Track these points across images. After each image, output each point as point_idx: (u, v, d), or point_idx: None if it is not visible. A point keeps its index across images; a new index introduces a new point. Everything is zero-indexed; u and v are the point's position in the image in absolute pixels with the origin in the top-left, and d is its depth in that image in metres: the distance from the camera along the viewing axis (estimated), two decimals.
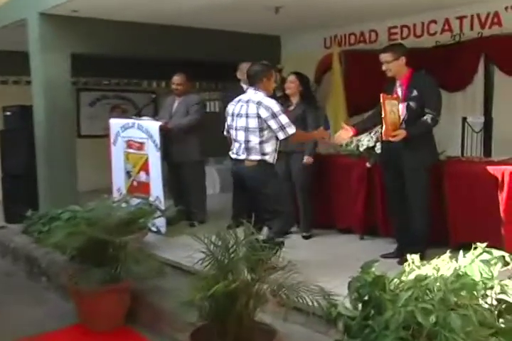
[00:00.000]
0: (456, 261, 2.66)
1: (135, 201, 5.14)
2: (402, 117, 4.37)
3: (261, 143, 4.21)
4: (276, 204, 4.30)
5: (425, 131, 4.39)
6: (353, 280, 2.67)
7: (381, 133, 4.44)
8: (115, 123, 6.17)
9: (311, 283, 3.03)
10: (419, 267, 2.68)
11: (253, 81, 4.36)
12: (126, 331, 4.12)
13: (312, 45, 7.66)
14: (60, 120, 6.37)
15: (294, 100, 5.44)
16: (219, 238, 3.13)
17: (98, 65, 7.73)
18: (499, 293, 2.51)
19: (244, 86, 5.78)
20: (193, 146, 6.00)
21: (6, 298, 4.83)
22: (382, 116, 4.24)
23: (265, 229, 4.25)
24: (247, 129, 4.23)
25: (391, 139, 4.25)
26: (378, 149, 4.92)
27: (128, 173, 6.01)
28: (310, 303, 2.97)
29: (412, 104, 4.37)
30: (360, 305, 2.62)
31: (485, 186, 4.45)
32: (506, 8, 5.94)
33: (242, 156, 4.28)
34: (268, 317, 3.23)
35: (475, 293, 2.46)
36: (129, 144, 5.95)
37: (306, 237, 5.45)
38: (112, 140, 6.14)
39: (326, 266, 4.37)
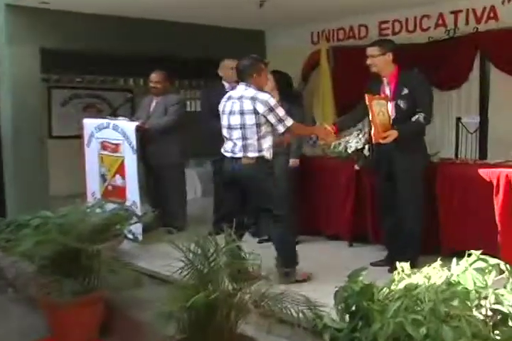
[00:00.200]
0: (449, 269, 2.68)
1: (110, 206, 5.10)
2: (391, 117, 4.38)
3: (259, 139, 4.25)
4: (273, 205, 4.32)
5: (418, 130, 4.41)
6: (340, 290, 2.68)
7: (370, 135, 4.45)
8: (89, 123, 6.14)
9: (296, 293, 3.03)
10: (409, 275, 2.69)
11: (243, 76, 4.37)
12: None
13: (299, 41, 7.69)
14: (29, 119, 6.35)
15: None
16: (198, 246, 3.13)
17: (71, 61, 7.69)
18: (494, 303, 2.52)
19: (226, 84, 5.80)
20: (173, 148, 5.98)
21: None
22: (370, 118, 4.26)
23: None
24: (243, 127, 4.26)
25: (382, 141, 4.27)
26: (367, 151, 4.94)
27: (103, 177, 5.98)
28: (295, 314, 2.98)
29: (402, 102, 4.37)
30: (347, 317, 2.63)
31: (479, 190, 4.47)
32: (503, 1, 6.00)
33: (240, 154, 4.30)
34: (251, 329, 3.23)
35: (468, 303, 2.48)
36: (104, 146, 5.92)
37: None
38: (85, 141, 6.11)
39: (312, 274, 4.38)
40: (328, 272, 4.30)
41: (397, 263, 2.83)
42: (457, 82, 6.46)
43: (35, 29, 6.27)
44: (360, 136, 5.04)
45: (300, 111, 5.50)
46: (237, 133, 4.30)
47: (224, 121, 4.41)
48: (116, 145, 5.76)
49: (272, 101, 4.22)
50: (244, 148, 4.28)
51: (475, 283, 2.55)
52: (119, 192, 5.76)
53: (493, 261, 2.65)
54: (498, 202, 4.34)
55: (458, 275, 2.60)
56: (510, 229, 4.30)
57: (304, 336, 3.36)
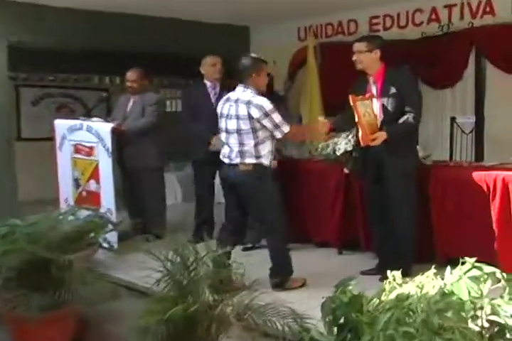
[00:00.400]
0: (442, 278, 2.68)
1: (84, 213, 5.07)
2: (378, 118, 4.39)
3: (256, 145, 4.26)
4: (270, 216, 4.38)
5: (407, 131, 4.42)
6: (328, 301, 2.66)
7: (357, 138, 4.45)
8: (61, 124, 6.11)
9: (281, 305, 3.02)
10: (400, 285, 2.69)
11: (242, 77, 4.37)
12: None
13: (285, 37, 7.71)
14: None
15: None
16: (177, 254, 3.11)
17: (41, 58, 7.66)
18: (490, 314, 2.52)
19: (208, 83, 5.79)
20: (150, 150, 5.96)
21: None
22: (356, 119, 4.26)
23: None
24: (239, 132, 4.27)
25: (371, 144, 4.27)
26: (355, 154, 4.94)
27: (76, 182, 5.95)
28: (280, 328, 2.96)
29: (390, 102, 4.38)
30: (335, 329, 2.62)
31: (475, 194, 4.48)
32: None
33: (236, 160, 4.32)
34: None
35: (463, 314, 2.47)
36: (77, 149, 5.89)
37: None
38: (57, 144, 6.08)
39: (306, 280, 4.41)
40: (316, 282, 4.32)
41: (389, 271, 2.83)
42: (451, 80, 6.49)
43: (1, 23, 6.20)
44: (350, 137, 5.04)
45: (286, 116, 5.49)
46: (233, 138, 4.33)
47: (222, 125, 4.44)
48: (90, 148, 5.74)
49: (268, 106, 4.22)
50: (241, 154, 4.30)
51: (470, 292, 2.54)
52: (94, 198, 5.73)
53: (488, 269, 2.64)
54: (494, 207, 4.36)
55: (452, 284, 2.60)
56: (508, 235, 4.32)
57: None
